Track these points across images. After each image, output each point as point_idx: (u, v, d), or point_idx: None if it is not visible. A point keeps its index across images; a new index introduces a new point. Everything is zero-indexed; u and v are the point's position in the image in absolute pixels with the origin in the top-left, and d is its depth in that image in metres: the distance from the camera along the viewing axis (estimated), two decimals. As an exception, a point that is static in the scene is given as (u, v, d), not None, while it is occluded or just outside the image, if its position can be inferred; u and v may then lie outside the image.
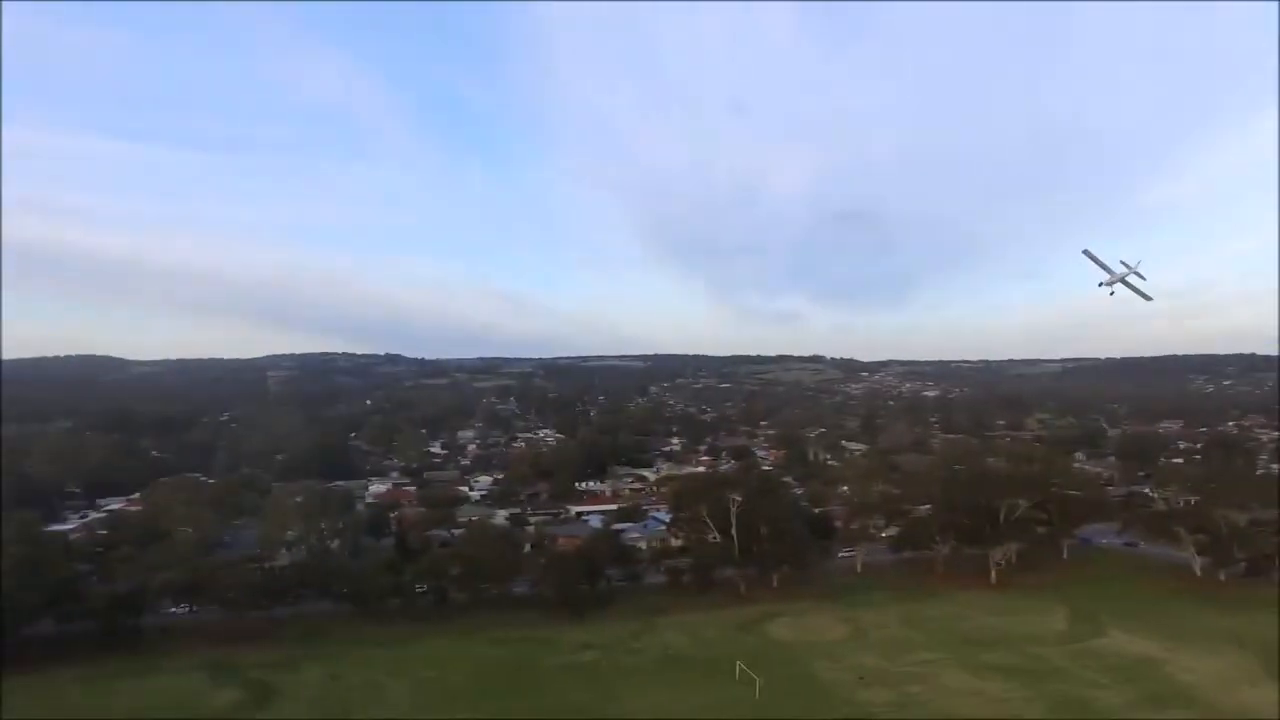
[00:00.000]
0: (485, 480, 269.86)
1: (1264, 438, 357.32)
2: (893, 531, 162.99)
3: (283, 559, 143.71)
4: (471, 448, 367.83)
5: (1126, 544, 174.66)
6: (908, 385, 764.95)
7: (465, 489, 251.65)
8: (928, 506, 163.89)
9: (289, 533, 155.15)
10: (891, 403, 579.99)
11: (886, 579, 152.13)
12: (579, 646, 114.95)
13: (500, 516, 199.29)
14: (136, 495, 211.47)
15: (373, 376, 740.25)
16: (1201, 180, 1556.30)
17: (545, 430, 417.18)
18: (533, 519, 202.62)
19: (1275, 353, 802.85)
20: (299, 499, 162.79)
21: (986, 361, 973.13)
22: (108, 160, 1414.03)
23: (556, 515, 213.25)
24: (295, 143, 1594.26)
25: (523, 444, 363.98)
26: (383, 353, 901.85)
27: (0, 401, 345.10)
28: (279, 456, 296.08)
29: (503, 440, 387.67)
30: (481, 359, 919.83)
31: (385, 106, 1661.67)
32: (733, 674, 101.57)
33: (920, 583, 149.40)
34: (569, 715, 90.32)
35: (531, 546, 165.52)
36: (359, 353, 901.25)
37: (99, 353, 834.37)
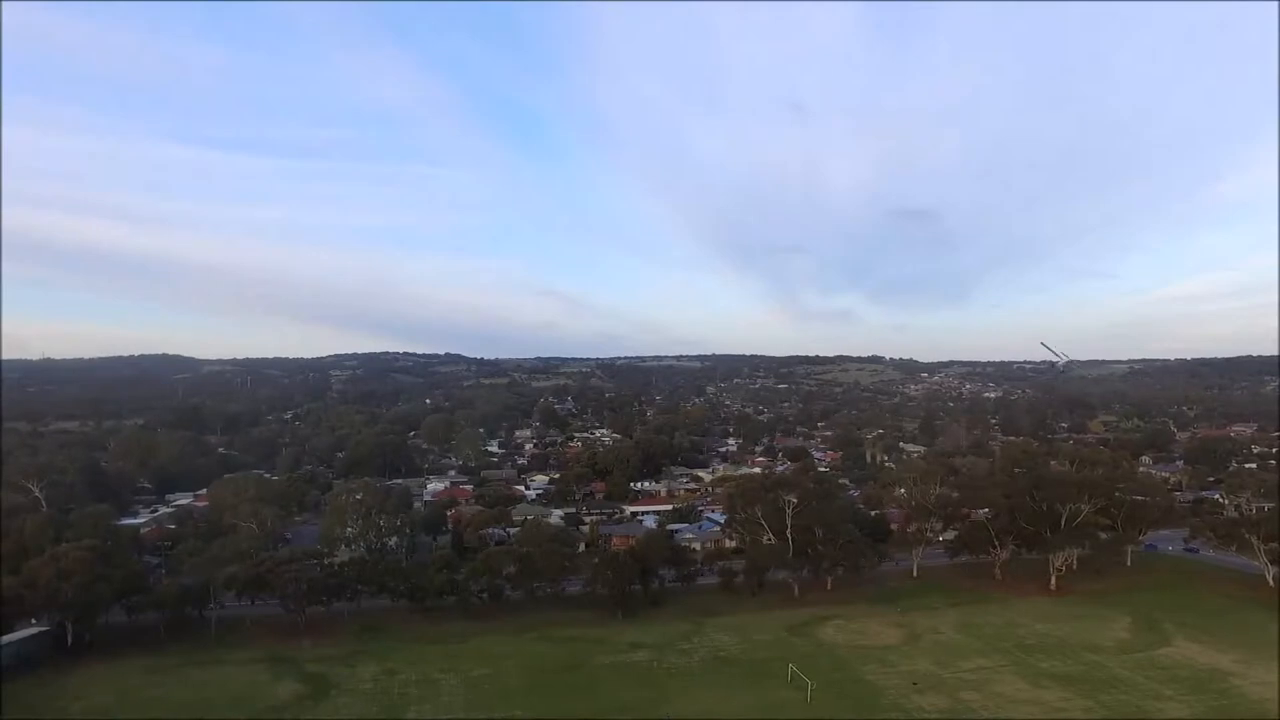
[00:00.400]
0: (541, 479, 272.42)
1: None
2: (950, 535, 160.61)
3: (342, 555, 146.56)
4: (529, 447, 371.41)
5: (1188, 549, 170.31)
6: (968, 386, 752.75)
7: (521, 488, 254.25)
8: (986, 510, 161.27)
9: (348, 529, 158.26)
10: (951, 404, 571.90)
11: (943, 583, 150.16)
12: (630, 646, 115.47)
13: (555, 516, 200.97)
14: (204, 491, 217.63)
15: (433, 376, 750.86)
16: (1261, 180, 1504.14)
17: (602, 430, 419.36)
18: (588, 518, 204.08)
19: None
20: (358, 496, 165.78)
21: (1050, 362, 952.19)
22: (180, 167, 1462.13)
23: (611, 515, 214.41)
24: (357, 146, 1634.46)
25: (579, 443, 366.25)
26: (443, 352, 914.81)
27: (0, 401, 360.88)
28: (340, 454, 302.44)
29: (559, 439, 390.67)
30: (540, 359, 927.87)
31: (445, 108, 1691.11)
32: (783, 676, 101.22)
33: (977, 588, 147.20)
34: (619, 714, 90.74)
35: (586, 546, 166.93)
36: (420, 352, 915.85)
37: (171, 352, 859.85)
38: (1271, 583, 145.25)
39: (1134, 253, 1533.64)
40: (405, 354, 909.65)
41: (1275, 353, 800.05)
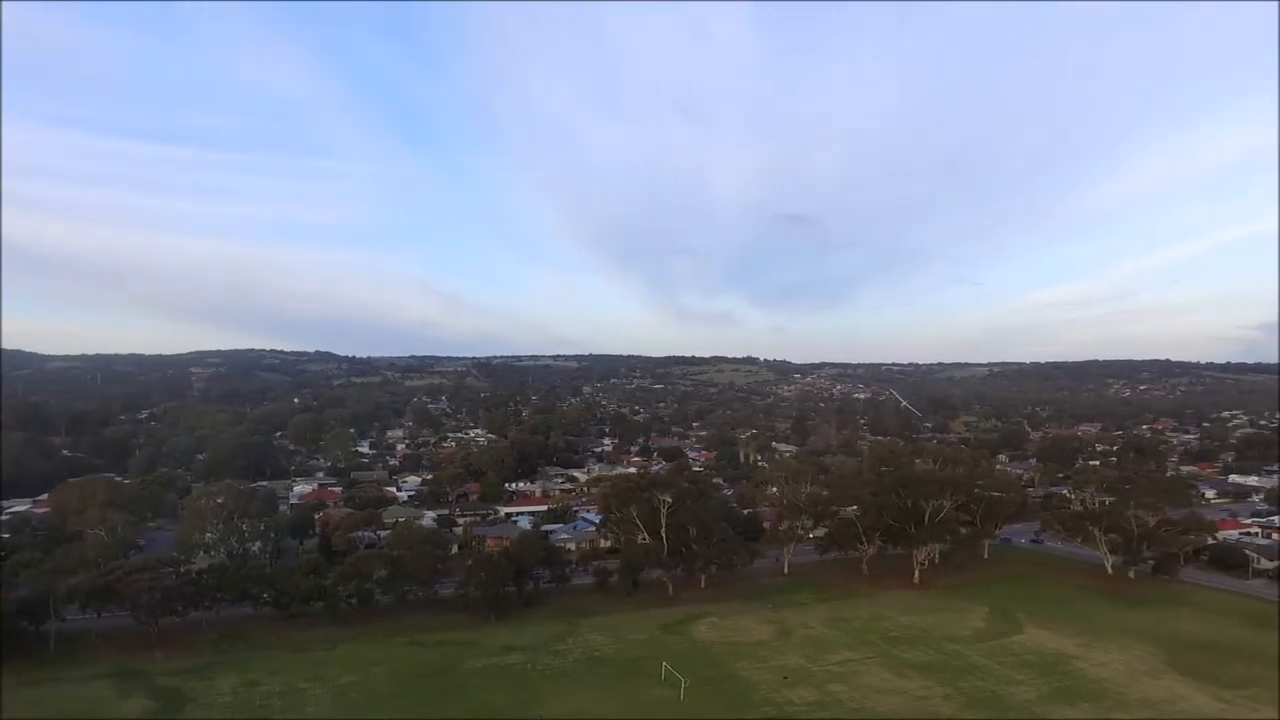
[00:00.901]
0: (414, 480, 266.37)
1: (1175, 441, 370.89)
2: (820, 533, 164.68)
3: (201, 562, 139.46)
4: (401, 447, 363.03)
5: (1033, 542, 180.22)
6: (839, 387, 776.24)
7: (393, 489, 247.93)
8: (855, 508, 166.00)
9: (208, 534, 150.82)
10: (823, 404, 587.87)
11: (813, 579, 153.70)
12: (503, 648, 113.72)
13: (428, 517, 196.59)
14: (44, 496, 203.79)
15: (301, 374, 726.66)
16: (1125, 193, 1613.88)
17: (476, 430, 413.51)
18: (461, 520, 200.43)
19: (1189, 359, 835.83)
20: (219, 499, 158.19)
21: (916, 365, 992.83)
22: (28, 147, 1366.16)
23: (485, 516, 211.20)
24: (226, 133, 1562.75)
25: (453, 444, 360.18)
26: (313, 350, 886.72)
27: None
28: (200, 456, 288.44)
29: (433, 440, 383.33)
30: (415, 357, 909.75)
31: (325, 100, 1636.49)
32: (658, 675, 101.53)
33: (846, 583, 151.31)
34: (491, 717, 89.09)
35: (459, 547, 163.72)
36: (288, 350, 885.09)
37: (10, 347, 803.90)
38: (1110, 571, 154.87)
39: (998, 261, 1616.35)
40: (272, 351, 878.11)
41: (1118, 357, 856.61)
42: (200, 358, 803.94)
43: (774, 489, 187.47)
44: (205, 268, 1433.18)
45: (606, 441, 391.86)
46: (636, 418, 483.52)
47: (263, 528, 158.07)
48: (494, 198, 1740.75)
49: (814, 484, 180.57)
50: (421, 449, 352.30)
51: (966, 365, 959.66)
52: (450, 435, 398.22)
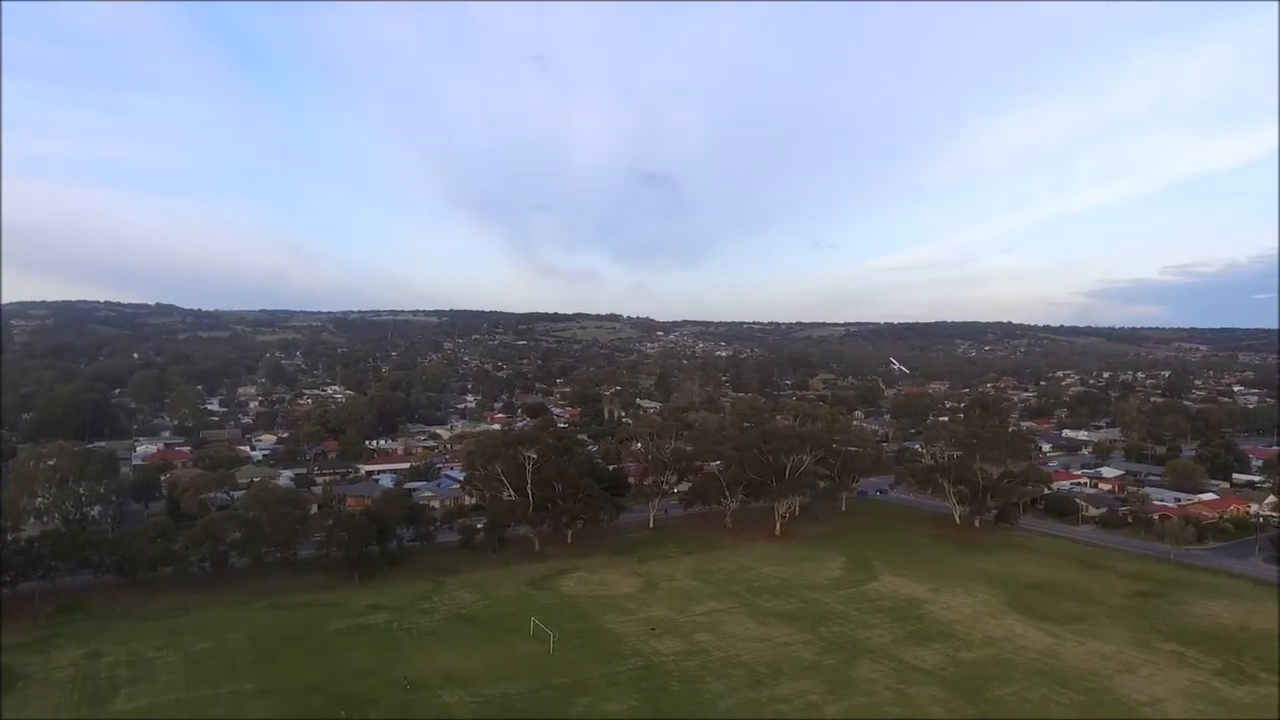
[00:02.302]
0: (269, 439, 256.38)
1: (1016, 398, 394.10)
2: (685, 487, 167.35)
3: (32, 529, 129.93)
4: (254, 405, 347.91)
5: (879, 492, 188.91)
6: (701, 345, 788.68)
7: (246, 449, 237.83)
8: (718, 463, 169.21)
9: (39, 499, 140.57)
10: (686, 362, 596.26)
11: (678, 533, 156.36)
12: (367, 609, 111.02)
13: (285, 477, 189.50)
14: None
15: (141, 328, 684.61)
16: (966, 166, 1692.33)
17: (334, 387, 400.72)
18: (320, 479, 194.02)
19: (1028, 322, 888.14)
20: (51, 462, 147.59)
21: (776, 324, 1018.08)
22: None
23: (345, 474, 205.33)
24: (30, 62, 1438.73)
25: (310, 401, 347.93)
26: (153, 302, 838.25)
27: None
28: (26, 415, 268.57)
29: (288, 397, 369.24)
30: (266, 311, 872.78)
31: (148, 28, 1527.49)
32: (526, 630, 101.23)
33: (710, 536, 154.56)
34: (354, 679, 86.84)
35: (319, 507, 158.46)
36: (125, 302, 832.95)
37: None
38: (958, 521, 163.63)
39: (852, 226, 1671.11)
40: (107, 303, 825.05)
41: (965, 319, 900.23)
42: (22, 309, 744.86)
43: (639, 445, 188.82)
44: (24, 210, 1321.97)
45: (469, 398, 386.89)
46: (500, 374, 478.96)
47: (102, 490, 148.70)
48: (349, 147, 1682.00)
49: (678, 440, 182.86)
50: (276, 406, 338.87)
51: (824, 325, 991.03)
52: (307, 392, 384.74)
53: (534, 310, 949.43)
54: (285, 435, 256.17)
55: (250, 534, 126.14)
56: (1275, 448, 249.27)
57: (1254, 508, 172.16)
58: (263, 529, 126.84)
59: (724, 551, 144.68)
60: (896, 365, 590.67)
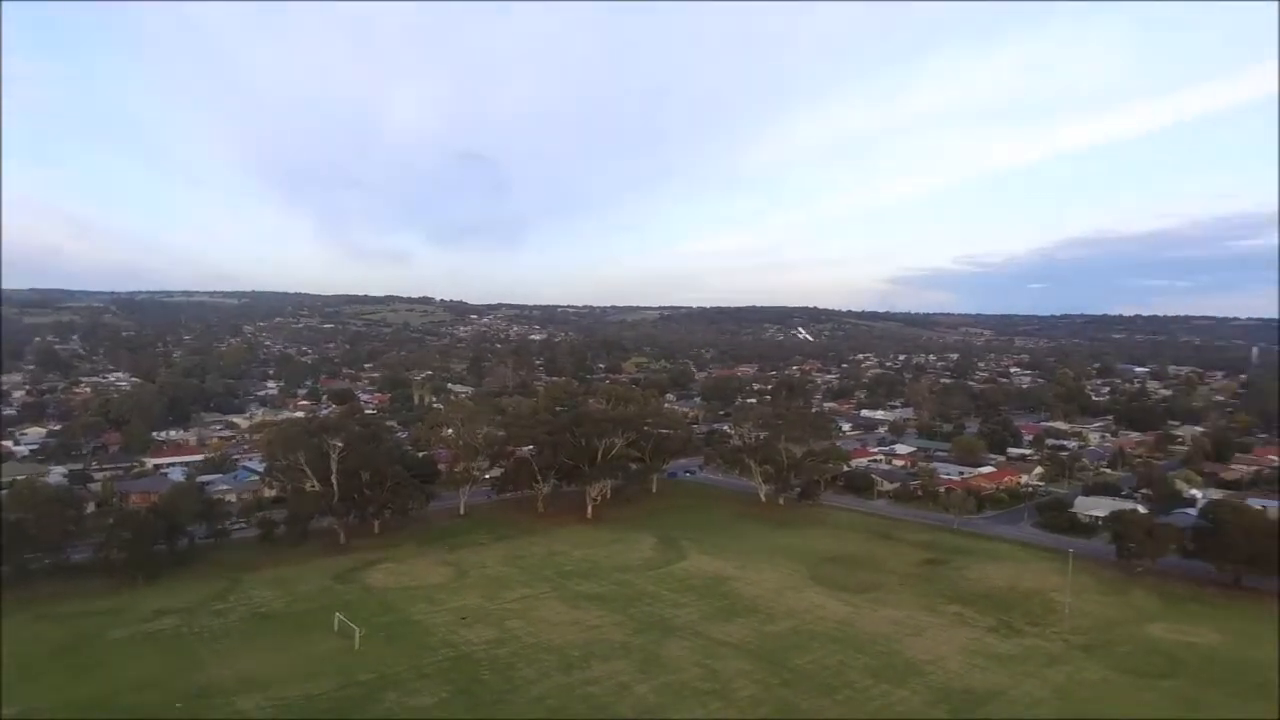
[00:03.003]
0: (38, 432, 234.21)
1: (819, 380, 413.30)
2: (497, 473, 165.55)
3: None
4: (19, 394, 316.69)
5: (686, 472, 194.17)
6: (516, 328, 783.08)
7: (9, 443, 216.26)
8: (531, 448, 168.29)
9: None
10: (499, 345, 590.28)
11: (490, 519, 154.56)
12: (154, 614, 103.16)
13: (56, 474, 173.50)
14: None
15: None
16: (780, 153, 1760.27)
17: (118, 374, 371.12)
18: (99, 475, 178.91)
19: (833, 307, 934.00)
20: None
21: (590, 307, 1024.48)
22: None
23: (129, 469, 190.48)
24: None
25: (88, 389, 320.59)
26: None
27: None
28: None
29: (61, 385, 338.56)
30: (36, 290, 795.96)
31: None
32: (330, 627, 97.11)
33: (522, 521, 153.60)
34: (136, 692, 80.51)
35: (97, 506, 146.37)
36: None
37: None
38: (764, 499, 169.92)
39: (668, 211, 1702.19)
40: None
41: (773, 304, 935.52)
42: None
43: (450, 431, 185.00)
44: None
45: (271, 385, 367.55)
46: (304, 359, 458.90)
47: None
48: (137, 113, 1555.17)
49: (490, 425, 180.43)
50: (47, 395, 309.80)
51: (639, 309, 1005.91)
52: (84, 380, 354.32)
53: (342, 293, 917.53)
54: (58, 428, 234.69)
55: (13, 538, 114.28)
56: (1043, 424, 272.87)
57: (1024, 478, 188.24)
58: (28, 532, 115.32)
59: (536, 536, 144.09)
60: (802, 334, 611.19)
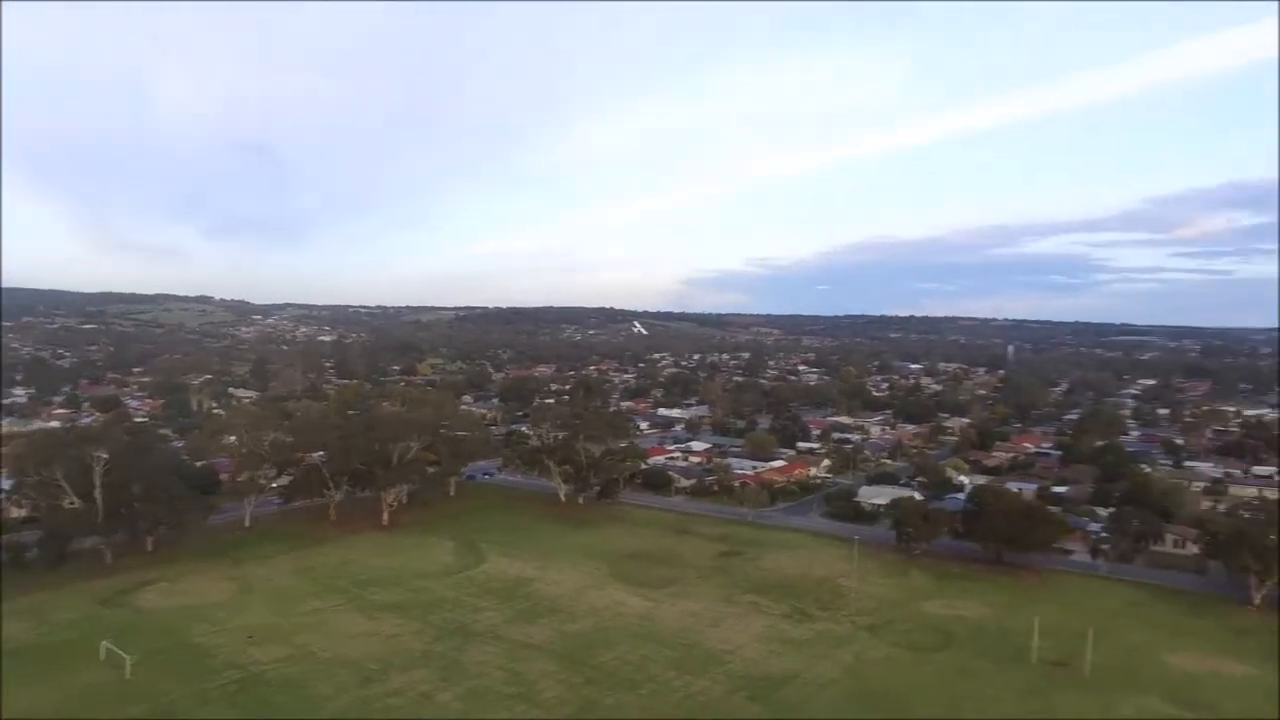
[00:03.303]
0: None
1: (617, 380, 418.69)
2: (285, 481, 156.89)
3: None
4: None
5: (487, 475, 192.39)
6: (304, 329, 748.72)
7: None
8: (321, 453, 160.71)
9: None
10: (286, 347, 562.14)
11: (278, 530, 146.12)
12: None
13: None
14: None
15: None
16: (575, 154, 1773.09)
17: None
18: None
19: (630, 307, 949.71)
20: None
21: (384, 307, 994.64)
22: None
23: None
24: None
25: None
26: None
27: None
28: None
29: None
30: None
31: None
32: (97, 656, 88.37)
33: (313, 531, 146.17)
34: None
35: None
36: None
37: None
38: (564, 499, 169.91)
39: (465, 211, 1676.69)
40: None
41: (572, 305, 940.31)
42: None
43: (232, 438, 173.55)
44: None
45: (20, 392, 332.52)
46: (61, 363, 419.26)
47: None
48: None
49: (277, 431, 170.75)
50: None
51: (434, 309, 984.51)
52: None
53: (106, 290, 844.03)
54: None
55: None
56: (830, 418, 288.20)
57: (813, 471, 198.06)
58: None
59: (329, 546, 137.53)
60: (637, 328, 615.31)
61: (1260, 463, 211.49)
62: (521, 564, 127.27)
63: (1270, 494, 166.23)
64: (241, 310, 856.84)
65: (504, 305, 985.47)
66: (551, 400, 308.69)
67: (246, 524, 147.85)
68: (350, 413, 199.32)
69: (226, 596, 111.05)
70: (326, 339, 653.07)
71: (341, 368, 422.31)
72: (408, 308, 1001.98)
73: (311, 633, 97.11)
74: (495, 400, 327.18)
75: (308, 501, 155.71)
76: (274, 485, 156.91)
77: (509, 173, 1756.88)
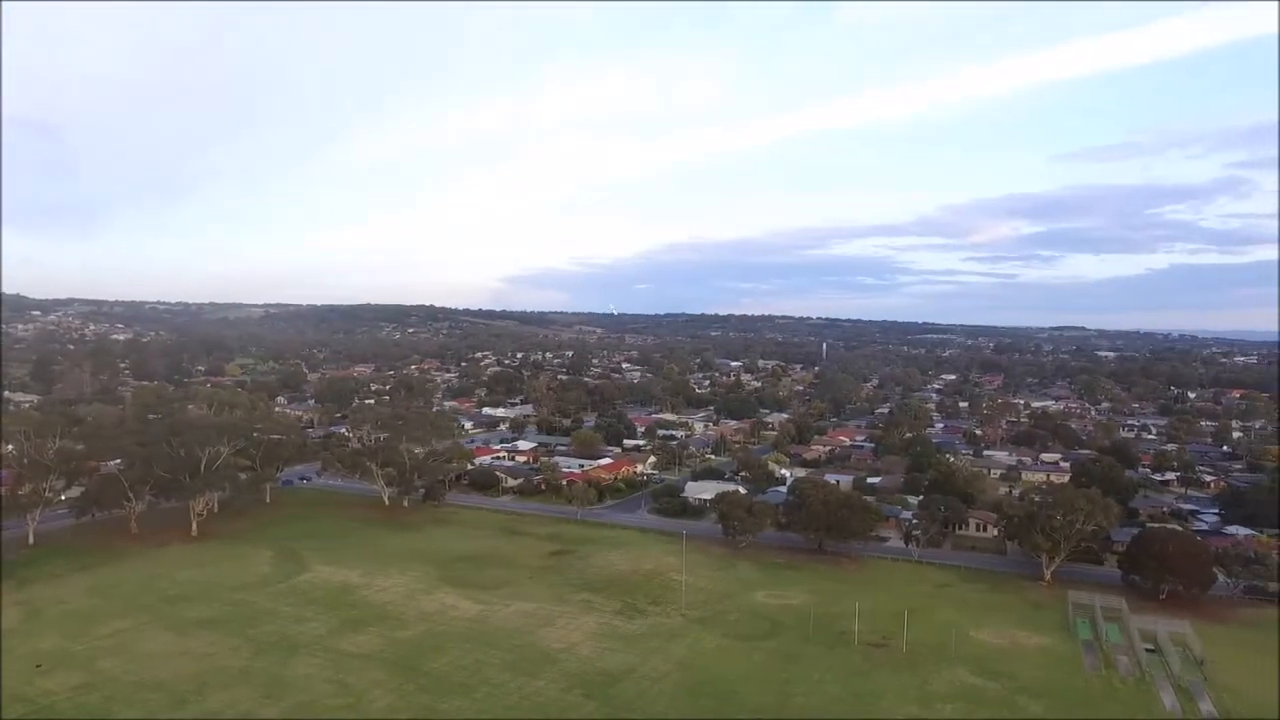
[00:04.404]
0: None
1: (439, 379, 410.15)
2: (76, 493, 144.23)
3: None
4: None
5: (301, 479, 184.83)
6: (92, 327, 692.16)
7: None
8: (119, 461, 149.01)
9: None
10: (72, 347, 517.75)
11: (69, 546, 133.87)
12: None
13: None
14: None
15: None
16: (394, 150, 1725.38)
17: None
18: None
19: (450, 305, 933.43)
20: None
21: (186, 304, 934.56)
22: None
23: None
24: None
25: None
26: None
27: None
28: None
29: None
30: None
31: None
32: None
33: (112, 545, 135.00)
34: None
35: None
36: None
37: None
38: (388, 502, 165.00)
39: (270, 204, 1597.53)
40: None
41: (391, 303, 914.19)
42: None
43: (10, 447, 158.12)
44: None
45: None
46: None
47: None
48: None
49: (65, 438, 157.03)
50: None
51: (242, 305, 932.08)
52: None
53: None
54: None
55: None
56: (654, 415, 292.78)
57: (640, 468, 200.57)
58: None
59: (130, 560, 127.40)
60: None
61: (1047, 450, 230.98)
62: (346, 571, 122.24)
63: (1057, 478, 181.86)
64: (18, 306, 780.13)
65: (319, 303, 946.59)
66: (372, 401, 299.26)
67: (31, 541, 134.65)
68: (151, 417, 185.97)
69: (10, 623, 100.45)
70: (120, 337, 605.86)
71: (139, 368, 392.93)
72: (212, 304, 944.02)
73: (113, 656, 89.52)
74: (311, 401, 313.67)
75: (104, 513, 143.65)
76: (64, 498, 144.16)
77: (329, 167, 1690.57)
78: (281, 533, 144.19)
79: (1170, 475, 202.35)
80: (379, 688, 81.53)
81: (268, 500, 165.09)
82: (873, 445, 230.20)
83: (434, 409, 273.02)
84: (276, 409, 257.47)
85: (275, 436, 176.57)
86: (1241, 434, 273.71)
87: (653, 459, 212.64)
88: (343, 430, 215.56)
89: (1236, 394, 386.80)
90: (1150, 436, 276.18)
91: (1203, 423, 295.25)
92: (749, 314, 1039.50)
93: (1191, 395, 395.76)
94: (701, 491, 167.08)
